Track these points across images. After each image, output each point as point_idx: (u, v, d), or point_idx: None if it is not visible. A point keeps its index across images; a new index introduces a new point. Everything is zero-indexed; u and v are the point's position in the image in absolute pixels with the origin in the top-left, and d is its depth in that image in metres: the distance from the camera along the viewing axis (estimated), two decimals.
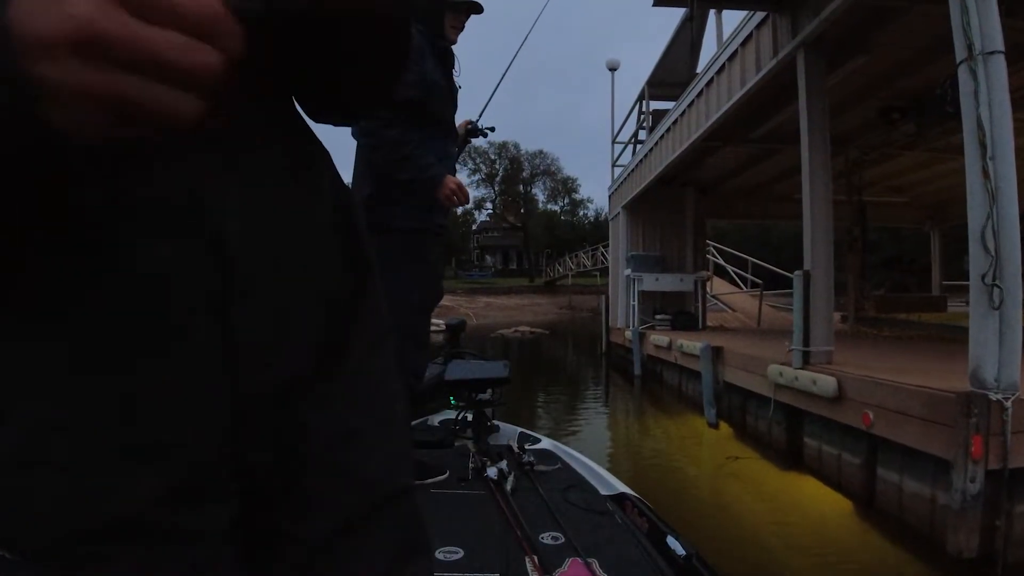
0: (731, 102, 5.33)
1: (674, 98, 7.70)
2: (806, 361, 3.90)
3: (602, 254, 29.42)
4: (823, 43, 4.20)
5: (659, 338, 7.39)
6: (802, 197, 4.11)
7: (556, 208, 50.85)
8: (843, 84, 6.11)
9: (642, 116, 9.52)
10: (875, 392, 3.26)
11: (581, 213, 52.30)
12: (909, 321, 8.57)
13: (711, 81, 5.81)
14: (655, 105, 8.99)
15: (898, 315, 8.88)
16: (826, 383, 3.56)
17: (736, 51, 5.21)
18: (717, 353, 5.24)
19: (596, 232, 43.72)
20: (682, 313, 9.23)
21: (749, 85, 5.01)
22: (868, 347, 5.14)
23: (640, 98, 9.39)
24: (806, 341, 3.89)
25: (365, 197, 2.06)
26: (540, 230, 46.83)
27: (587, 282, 34.91)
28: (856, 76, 5.77)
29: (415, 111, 1.99)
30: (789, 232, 45.85)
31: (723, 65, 5.51)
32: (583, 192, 52.04)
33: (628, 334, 9.05)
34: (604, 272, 31.04)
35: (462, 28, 2.15)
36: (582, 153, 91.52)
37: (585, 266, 32.73)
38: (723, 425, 5.25)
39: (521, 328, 18.08)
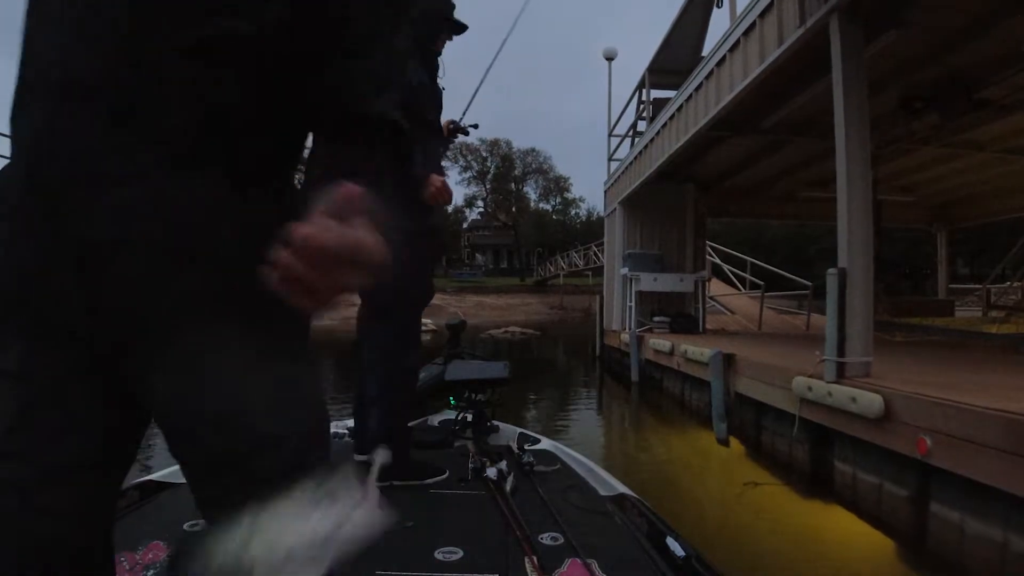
0: (746, 82, 4.79)
1: (676, 86, 7.16)
2: (841, 374, 3.35)
3: (594, 253, 28.95)
4: (859, 8, 3.66)
5: (659, 342, 6.83)
6: (836, 186, 3.56)
7: (548, 207, 50.40)
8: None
9: (641, 105, 8.97)
10: (933, 414, 2.72)
11: (573, 212, 51.90)
12: (923, 326, 8.09)
13: (723, 60, 5.26)
14: (656, 94, 8.44)
15: (909, 320, 8.40)
16: (869, 401, 3.01)
17: (753, 23, 4.66)
18: (729, 361, 4.69)
19: (588, 232, 43.34)
20: (681, 315, 8.70)
21: (768, 61, 4.46)
22: (897, 356, 4.60)
23: (640, 86, 8.83)
24: (841, 351, 3.34)
25: None
26: (531, 229, 46.28)
27: (579, 282, 34.47)
28: (879, 60, 5.27)
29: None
30: (782, 233, 45.65)
31: (737, 41, 4.96)
32: (574, 191, 51.27)
33: (624, 337, 8.50)
34: (596, 272, 30.67)
35: (448, 39, 2.32)
36: (572, 150, 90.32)
37: (577, 266, 32.23)
38: (734, 442, 4.70)
39: (511, 329, 17.51)
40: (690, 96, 6.06)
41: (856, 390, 3.13)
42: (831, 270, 3.38)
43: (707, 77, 5.57)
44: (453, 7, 2.31)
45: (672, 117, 6.71)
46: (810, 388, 3.50)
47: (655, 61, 8.09)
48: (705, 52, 6.71)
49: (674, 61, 7.85)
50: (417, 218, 2.17)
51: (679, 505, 3.52)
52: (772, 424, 4.28)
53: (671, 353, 6.36)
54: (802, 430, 3.73)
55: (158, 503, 1.85)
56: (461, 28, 2.32)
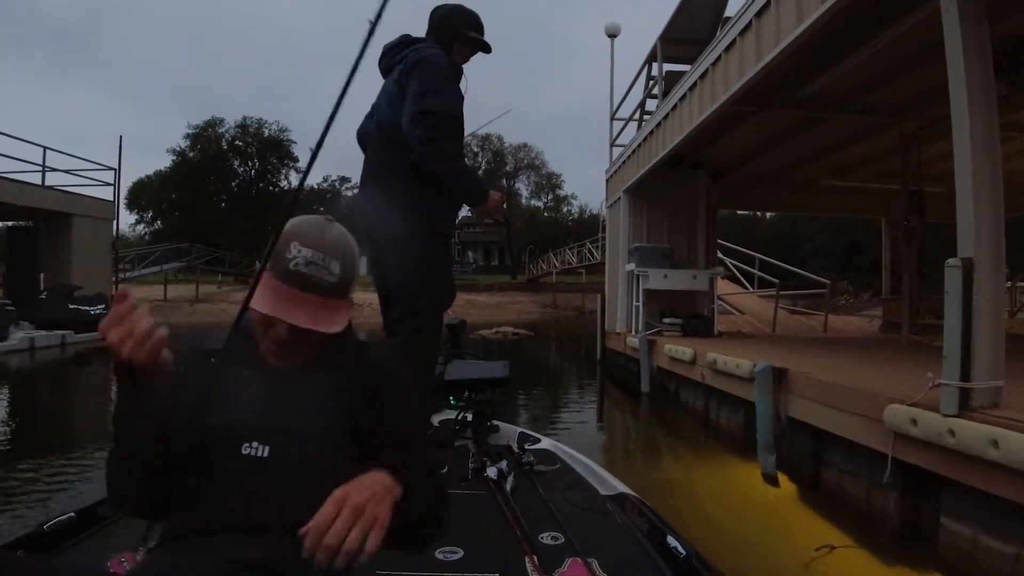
0: (799, 30, 3.84)
1: (692, 60, 6.23)
2: (965, 404, 2.42)
3: (588, 251, 28.07)
4: None
5: (677, 348, 5.87)
6: (954, 148, 2.65)
7: (539, 204, 49.51)
8: (909, 36, 4.71)
9: (651, 81, 8.01)
10: None
11: (565, 210, 51.12)
12: None
13: (764, 8, 4.31)
14: (668, 67, 7.47)
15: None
16: None
17: None
18: (780, 377, 3.74)
19: (580, 229, 42.60)
20: (694, 316, 7.77)
21: (823, 8, 3.52)
22: None
23: (650, 59, 7.86)
24: (965, 372, 2.40)
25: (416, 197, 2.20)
26: (523, 226, 45.34)
27: (571, 280, 33.63)
28: (937, 18, 4.39)
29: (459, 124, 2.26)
30: (775, 231, 44.96)
31: None
32: (565, 188, 50.24)
33: (631, 340, 7.57)
34: (590, 270, 29.80)
35: (472, 54, 2.45)
36: (555, 144, 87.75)
37: (570, 263, 31.32)
38: (783, 478, 3.76)
39: (503, 329, 16.53)
40: (718, 58, 5.11)
41: (1001, 431, 2.19)
42: (951, 260, 2.44)
43: (742, 32, 4.63)
44: (481, 26, 2.40)
45: (693, 87, 5.76)
46: (915, 422, 2.57)
47: (669, 29, 7.13)
48: (731, 12, 5.77)
49: (691, 28, 6.91)
50: (444, 222, 2.32)
51: (682, 510, 3.06)
52: (839, 460, 3.35)
53: (693, 362, 5.42)
54: (894, 474, 2.80)
55: None
56: (487, 48, 2.43)
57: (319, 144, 0.92)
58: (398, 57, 2.25)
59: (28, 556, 1.40)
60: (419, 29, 2.43)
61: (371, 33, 0.85)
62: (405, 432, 1.03)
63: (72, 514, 1.61)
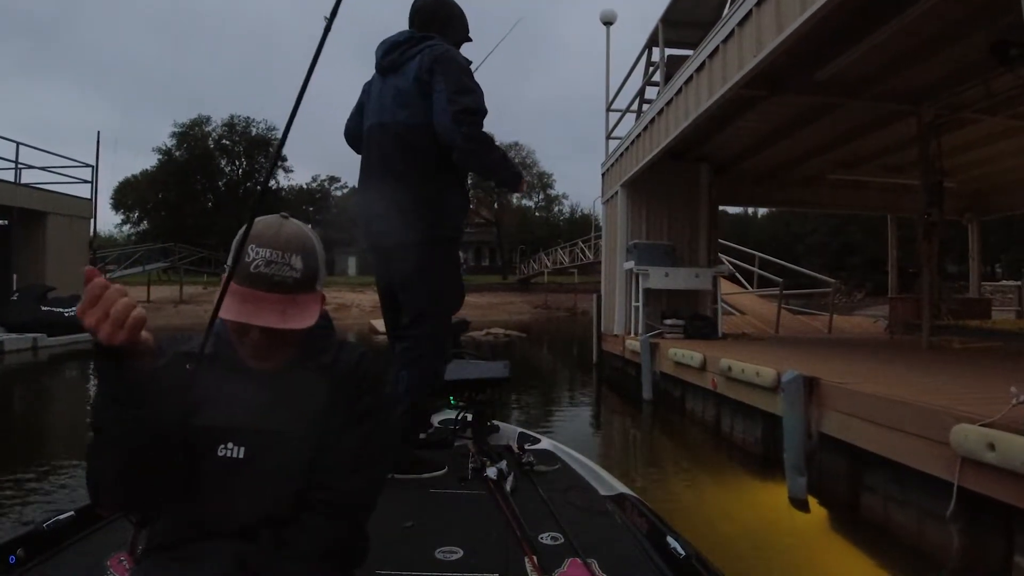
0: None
1: (694, 45, 5.80)
2: None
3: (580, 250, 27.68)
4: None
5: (683, 353, 5.41)
6: None
7: (531, 204, 49.14)
8: (935, 12, 4.32)
9: (652, 67, 7.56)
10: None
11: (556, 210, 50.82)
12: (983, 329, 6.83)
13: None
14: (669, 52, 7.01)
15: (967, 323, 7.14)
16: None
17: None
18: (811, 388, 3.30)
19: (572, 229, 42.31)
20: (697, 318, 7.33)
21: None
22: None
23: (650, 43, 7.40)
24: None
25: (447, 204, 2.25)
26: (514, 226, 44.94)
27: (563, 280, 33.26)
28: None
29: None
30: (769, 230, 44.82)
31: None
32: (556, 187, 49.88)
33: (631, 343, 7.12)
34: (583, 270, 29.39)
35: None
36: (542, 141, 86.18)
37: (563, 263, 30.89)
38: (812, 502, 3.31)
39: (494, 331, 16.06)
40: (730, 34, 4.67)
41: None
42: None
43: (759, 3, 4.19)
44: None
45: (701, 68, 5.31)
46: (993, 446, 2.13)
47: (671, 10, 6.67)
48: None
49: (695, 10, 6.46)
50: (455, 225, 2.28)
51: (699, 536, 2.45)
52: (883, 484, 2.91)
53: (702, 368, 4.97)
54: (962, 506, 2.37)
55: None
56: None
57: (281, 141, 0.96)
58: (411, 53, 2.19)
59: (27, 555, 1.42)
60: (399, 25, 2.37)
61: (327, 30, 0.88)
62: (361, 446, 1.00)
63: (72, 513, 1.60)
